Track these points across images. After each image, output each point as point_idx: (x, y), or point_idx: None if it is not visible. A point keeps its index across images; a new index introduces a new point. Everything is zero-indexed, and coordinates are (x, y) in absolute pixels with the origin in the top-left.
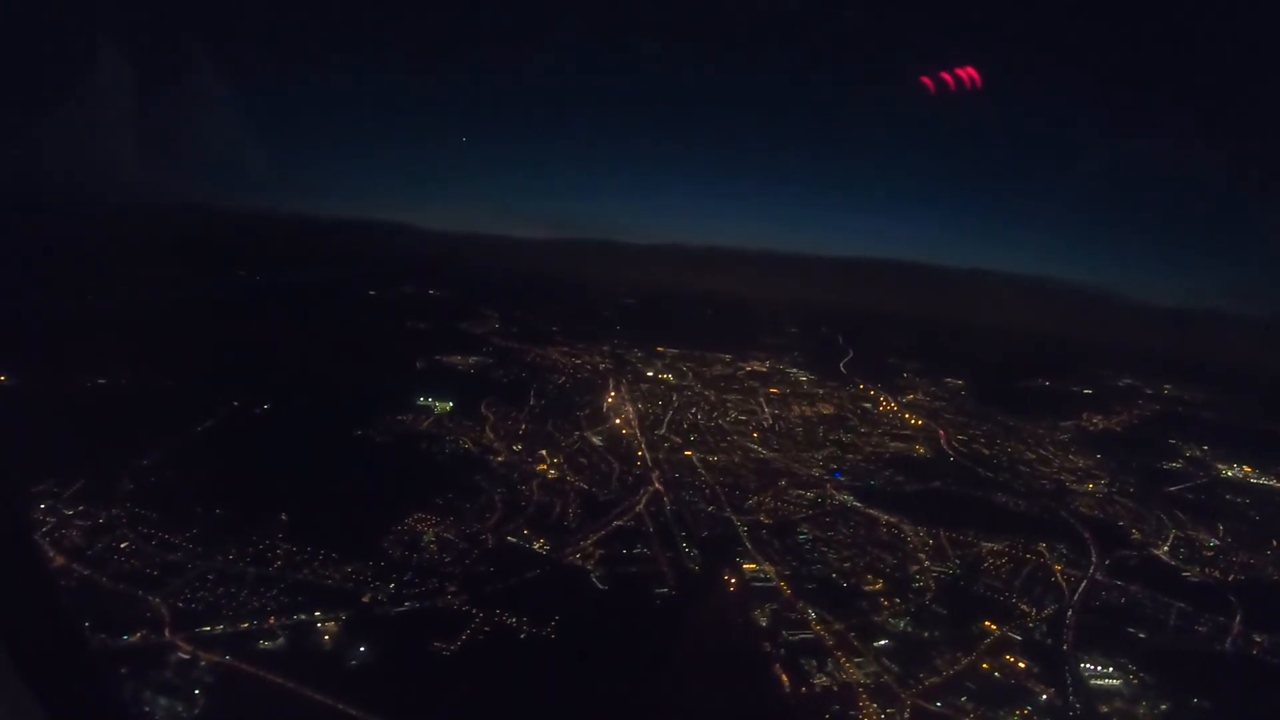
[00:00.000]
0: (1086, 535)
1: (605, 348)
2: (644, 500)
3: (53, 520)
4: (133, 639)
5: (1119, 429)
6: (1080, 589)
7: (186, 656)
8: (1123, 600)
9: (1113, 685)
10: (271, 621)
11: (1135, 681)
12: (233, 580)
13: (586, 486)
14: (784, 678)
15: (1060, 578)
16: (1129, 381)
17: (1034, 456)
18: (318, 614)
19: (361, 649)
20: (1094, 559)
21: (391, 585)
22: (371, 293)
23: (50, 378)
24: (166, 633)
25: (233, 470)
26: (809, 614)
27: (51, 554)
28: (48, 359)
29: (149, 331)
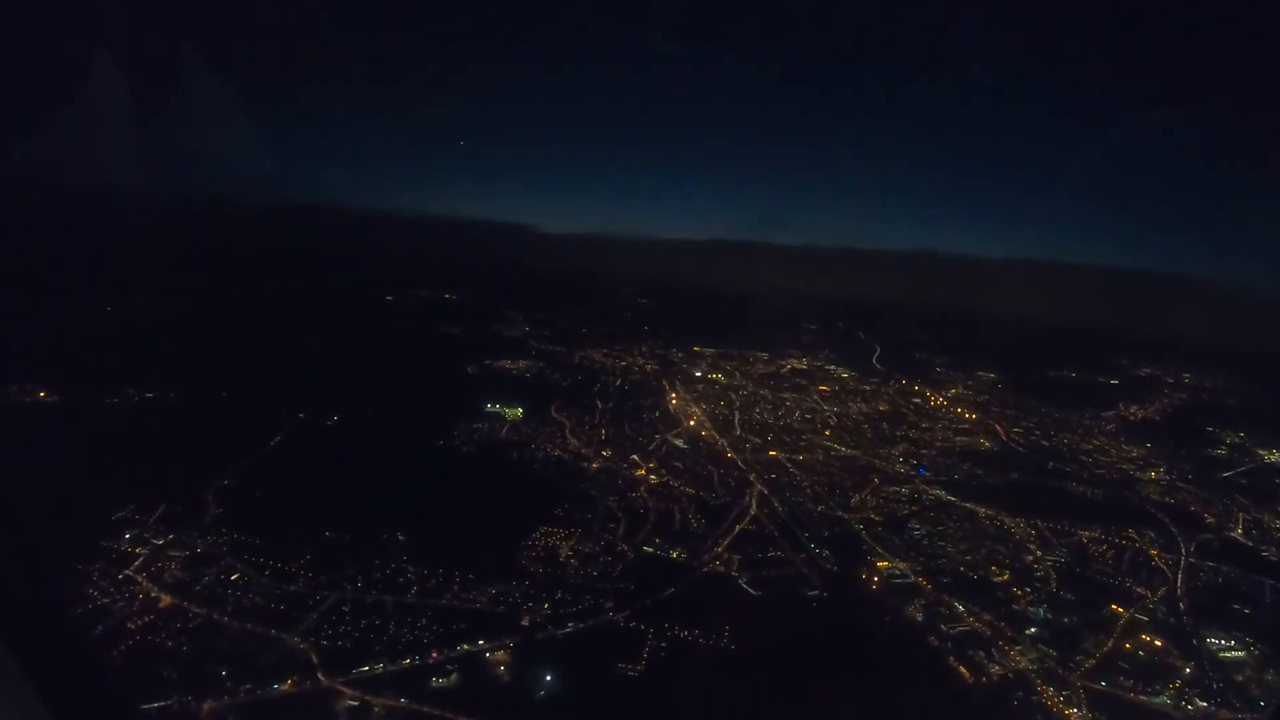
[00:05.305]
0: (1166, 521)
1: (643, 348)
2: (753, 503)
3: (144, 552)
4: (284, 687)
5: (1158, 418)
6: (1180, 571)
7: (356, 703)
8: (1219, 580)
9: (1239, 657)
10: (435, 655)
11: (1256, 653)
12: (372, 611)
13: (693, 491)
14: (962, 670)
15: (1159, 561)
16: (1149, 370)
17: (1091, 447)
18: (481, 643)
19: (547, 677)
20: (1181, 543)
21: (546, 606)
22: (388, 298)
23: (91, 393)
24: (321, 677)
25: (325, 488)
26: (957, 607)
27: (155, 591)
28: (82, 372)
29: (176, 341)
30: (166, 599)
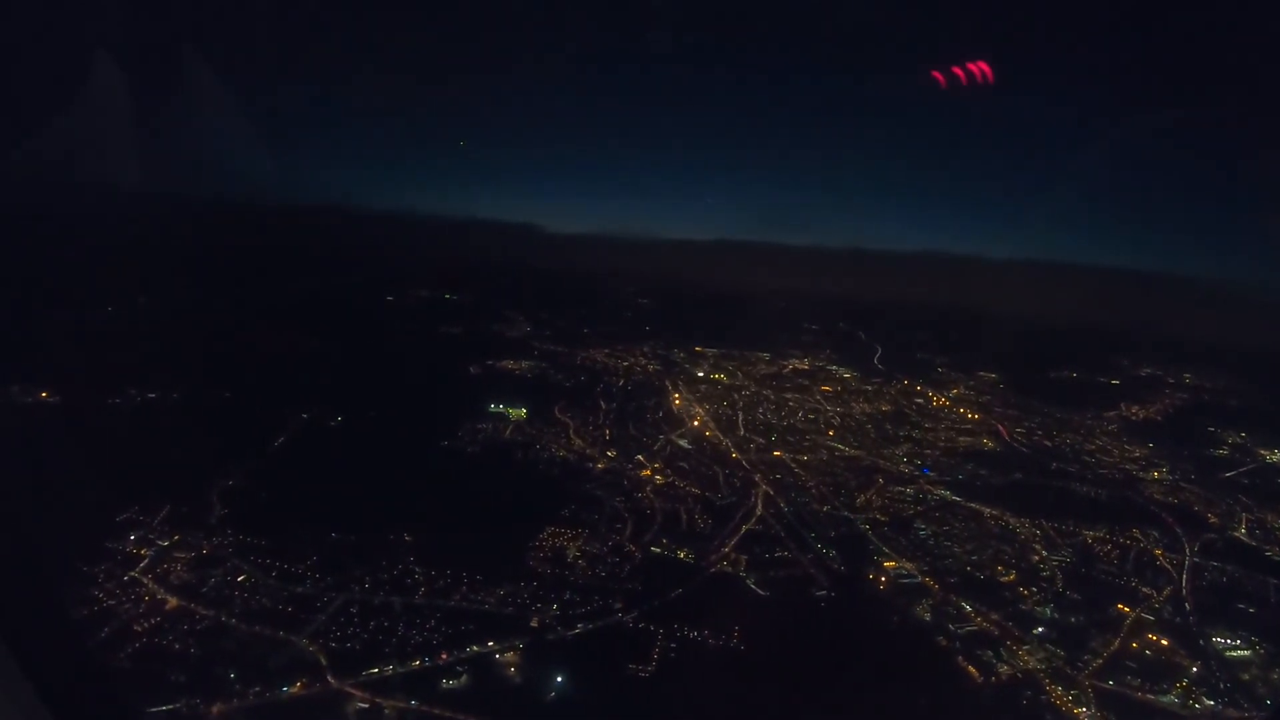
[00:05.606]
0: (1170, 520)
1: (645, 348)
2: (759, 503)
3: (149, 553)
4: (294, 690)
5: (1159, 419)
6: (1185, 570)
7: (366, 705)
8: (1224, 579)
9: (1245, 656)
10: (444, 657)
11: (1261, 652)
12: (380, 613)
13: (699, 491)
14: (971, 670)
15: (1164, 561)
16: (1150, 370)
17: (1094, 447)
18: (491, 644)
19: (558, 678)
20: (1185, 543)
21: (555, 607)
22: (390, 298)
23: (92, 393)
24: (331, 679)
25: (330, 489)
26: (964, 607)
27: (161, 593)
28: (82, 372)
29: (178, 341)
30: (173, 601)
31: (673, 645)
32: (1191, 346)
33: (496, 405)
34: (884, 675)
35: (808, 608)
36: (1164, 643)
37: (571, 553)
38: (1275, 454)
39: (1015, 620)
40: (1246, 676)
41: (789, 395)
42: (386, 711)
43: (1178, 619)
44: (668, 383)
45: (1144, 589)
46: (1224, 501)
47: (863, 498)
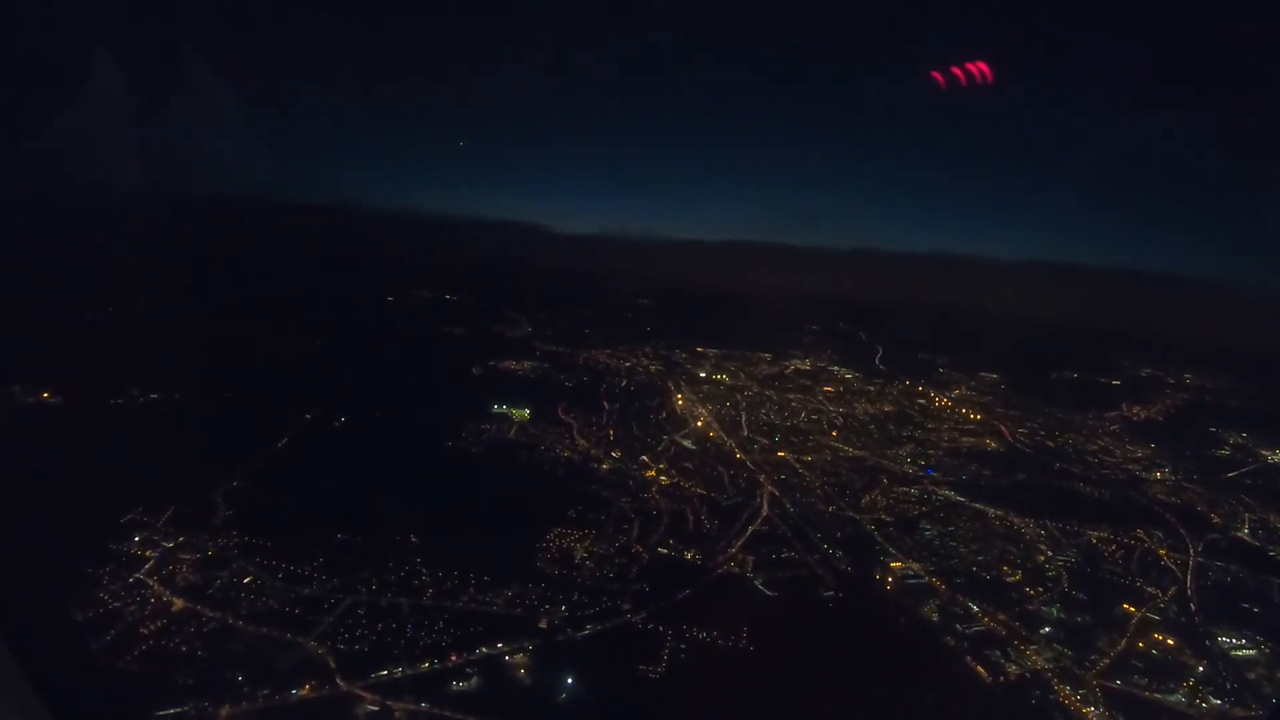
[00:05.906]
0: (1173, 520)
1: (647, 349)
2: (765, 504)
3: (154, 555)
4: (303, 693)
5: (1161, 419)
6: (1189, 570)
7: (376, 708)
8: (1228, 579)
9: (1250, 655)
10: (454, 659)
11: (1267, 651)
12: (388, 614)
13: (704, 491)
14: (979, 669)
15: (1168, 560)
16: (1151, 371)
17: (1096, 447)
18: (500, 646)
19: (568, 680)
20: (1189, 542)
21: (564, 608)
22: (390, 298)
23: (94, 393)
24: (340, 682)
25: (334, 489)
26: (971, 607)
27: (167, 595)
28: (84, 373)
29: (179, 342)
30: (179, 603)
31: (682, 646)
32: (1191, 346)
33: (500, 406)
34: (892, 675)
35: (815, 608)
36: (1170, 642)
37: (579, 554)
38: (1277, 454)
39: (1022, 620)
40: (1252, 675)
41: (791, 396)
42: (396, 714)
43: (1183, 619)
44: (670, 383)
45: (1149, 589)
46: (1227, 502)
47: (868, 498)
